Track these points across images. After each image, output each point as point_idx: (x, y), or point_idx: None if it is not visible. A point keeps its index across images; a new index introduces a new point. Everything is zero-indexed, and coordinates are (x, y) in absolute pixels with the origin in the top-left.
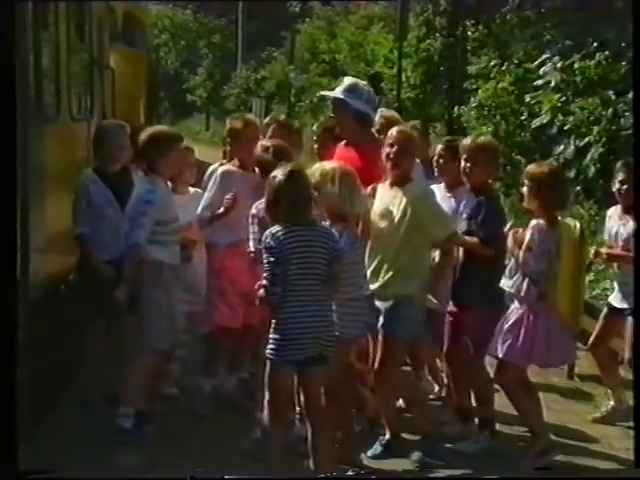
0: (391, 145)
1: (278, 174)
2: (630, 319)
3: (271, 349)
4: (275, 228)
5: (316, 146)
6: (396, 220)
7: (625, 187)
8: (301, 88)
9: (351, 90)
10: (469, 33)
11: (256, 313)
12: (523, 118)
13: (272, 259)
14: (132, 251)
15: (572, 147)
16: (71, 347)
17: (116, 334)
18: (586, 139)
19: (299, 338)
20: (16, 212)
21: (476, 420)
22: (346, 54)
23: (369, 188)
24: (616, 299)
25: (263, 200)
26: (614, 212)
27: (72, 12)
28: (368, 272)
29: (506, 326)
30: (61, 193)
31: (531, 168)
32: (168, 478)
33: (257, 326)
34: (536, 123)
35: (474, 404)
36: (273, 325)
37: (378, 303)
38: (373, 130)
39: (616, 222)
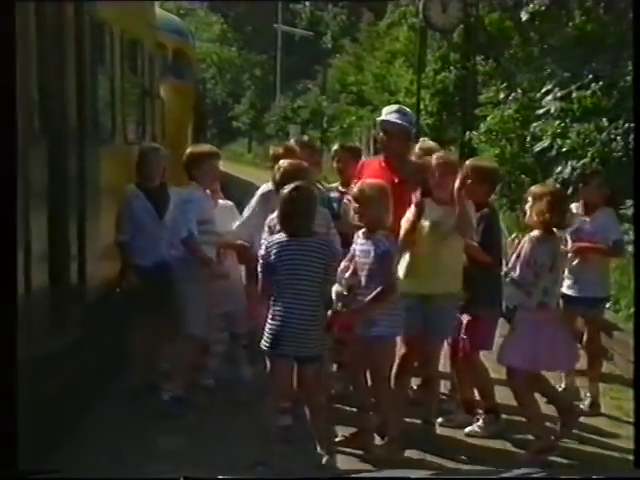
0: (435, 169)
1: (285, 190)
2: (593, 309)
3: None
4: (272, 237)
5: (336, 164)
6: (446, 232)
7: (589, 186)
8: (332, 115)
9: (400, 111)
10: (479, 67)
11: None
12: (527, 142)
13: (263, 266)
14: (188, 242)
15: (569, 168)
16: (119, 342)
17: (157, 326)
18: (582, 161)
19: (285, 335)
20: (16, 224)
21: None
22: (372, 85)
23: (415, 202)
24: (573, 289)
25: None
26: (576, 209)
27: (126, 48)
28: (412, 276)
29: (512, 335)
30: (115, 207)
31: (534, 188)
32: (162, 478)
33: None
34: (538, 147)
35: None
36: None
37: (421, 304)
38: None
39: (579, 218)
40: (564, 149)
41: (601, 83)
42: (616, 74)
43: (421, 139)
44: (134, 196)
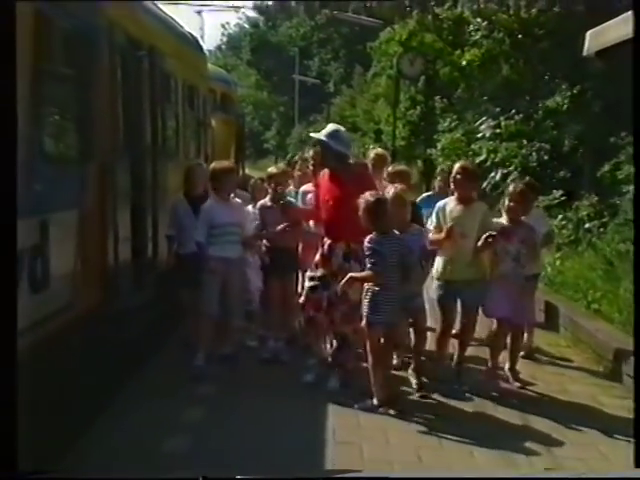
0: (456, 175)
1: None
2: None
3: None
4: (374, 235)
5: (312, 168)
6: (473, 226)
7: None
8: None
9: (333, 135)
10: (437, 105)
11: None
12: (469, 157)
13: (376, 256)
14: (199, 244)
15: (500, 174)
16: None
17: (191, 302)
18: (508, 169)
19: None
20: (16, 230)
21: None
22: (361, 117)
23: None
24: None
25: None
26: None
27: (186, 92)
28: (449, 265)
29: (499, 293)
30: None
31: (511, 190)
32: (177, 478)
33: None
34: (477, 160)
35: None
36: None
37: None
38: (365, 162)
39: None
40: (496, 161)
41: (521, 115)
42: (531, 109)
43: (392, 165)
44: (179, 202)
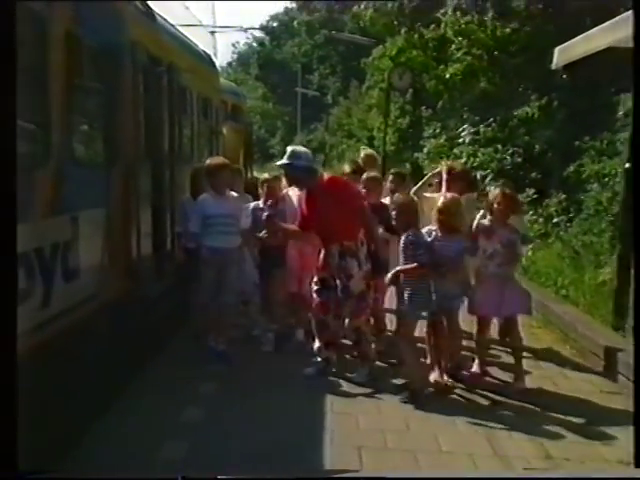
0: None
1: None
2: None
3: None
4: (411, 231)
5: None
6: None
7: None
8: (332, 145)
9: (292, 156)
10: (423, 114)
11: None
12: (452, 160)
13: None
14: (194, 235)
15: (479, 176)
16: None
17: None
18: (486, 171)
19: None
20: (16, 233)
21: None
22: (356, 126)
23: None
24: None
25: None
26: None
27: (200, 103)
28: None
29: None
30: None
31: (494, 192)
32: (159, 478)
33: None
34: (459, 162)
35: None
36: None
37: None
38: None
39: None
40: (475, 164)
41: (497, 123)
42: (506, 117)
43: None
44: (186, 201)
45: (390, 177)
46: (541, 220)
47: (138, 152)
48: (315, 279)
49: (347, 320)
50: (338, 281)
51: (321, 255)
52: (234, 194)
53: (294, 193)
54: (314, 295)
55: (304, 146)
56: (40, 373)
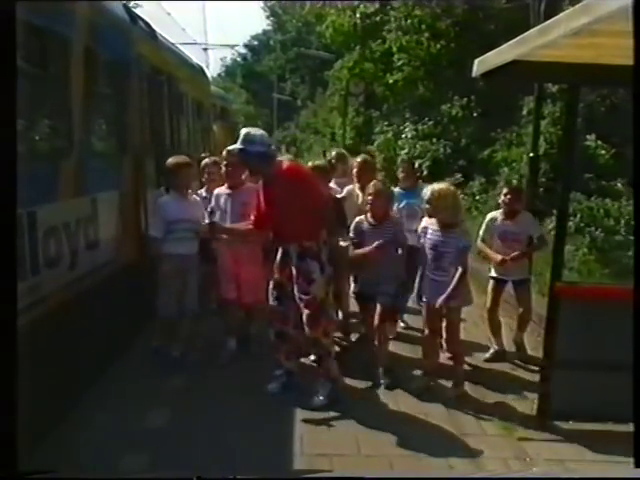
0: (506, 196)
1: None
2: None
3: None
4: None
5: (225, 168)
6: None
7: (508, 197)
8: (302, 140)
9: (246, 140)
10: (373, 114)
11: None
12: (396, 152)
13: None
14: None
15: (417, 164)
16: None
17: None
18: (422, 160)
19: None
20: (15, 229)
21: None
22: (321, 124)
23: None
24: (498, 271)
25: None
26: (496, 216)
27: (195, 106)
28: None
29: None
30: None
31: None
32: (173, 478)
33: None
34: (402, 152)
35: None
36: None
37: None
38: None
39: (501, 223)
40: (415, 154)
41: (432, 121)
42: (439, 117)
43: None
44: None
45: (356, 163)
46: (467, 198)
47: (144, 145)
48: (271, 285)
49: (303, 331)
50: (296, 286)
51: (278, 256)
52: (195, 197)
53: (220, 191)
54: (271, 303)
55: (280, 141)
56: (69, 324)
